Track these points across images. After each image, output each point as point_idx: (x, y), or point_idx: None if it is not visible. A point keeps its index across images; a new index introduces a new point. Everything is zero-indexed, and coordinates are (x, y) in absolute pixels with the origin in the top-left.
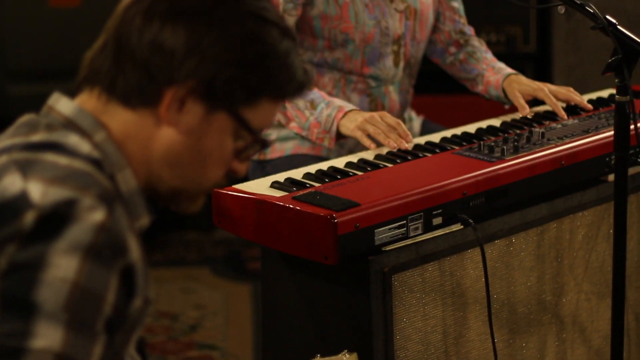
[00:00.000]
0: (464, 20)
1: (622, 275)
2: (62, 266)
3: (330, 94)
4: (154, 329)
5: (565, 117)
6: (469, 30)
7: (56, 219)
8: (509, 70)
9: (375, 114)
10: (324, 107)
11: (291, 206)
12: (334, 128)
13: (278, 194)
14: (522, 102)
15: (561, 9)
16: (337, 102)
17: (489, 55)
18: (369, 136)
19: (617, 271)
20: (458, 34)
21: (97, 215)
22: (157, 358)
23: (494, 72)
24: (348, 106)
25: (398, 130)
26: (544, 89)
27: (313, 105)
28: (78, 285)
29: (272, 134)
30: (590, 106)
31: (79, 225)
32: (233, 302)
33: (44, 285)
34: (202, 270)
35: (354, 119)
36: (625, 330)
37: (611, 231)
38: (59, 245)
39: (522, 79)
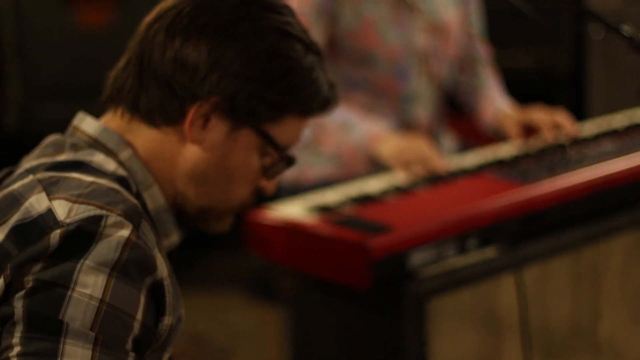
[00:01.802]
0: (479, 44)
1: None
2: (90, 284)
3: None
4: (184, 353)
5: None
6: (483, 54)
7: (82, 236)
8: (504, 105)
9: (412, 144)
10: (358, 131)
11: (324, 231)
12: (368, 152)
13: (310, 218)
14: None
15: (598, 35)
16: (371, 126)
17: (490, 88)
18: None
19: None
20: (468, 58)
21: (123, 232)
22: None
23: (487, 103)
24: (382, 131)
25: (430, 164)
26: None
27: (346, 127)
28: (105, 303)
29: (302, 155)
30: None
31: (105, 242)
32: (265, 325)
33: (71, 303)
34: (235, 293)
35: (389, 146)
36: None
37: None
38: (85, 263)
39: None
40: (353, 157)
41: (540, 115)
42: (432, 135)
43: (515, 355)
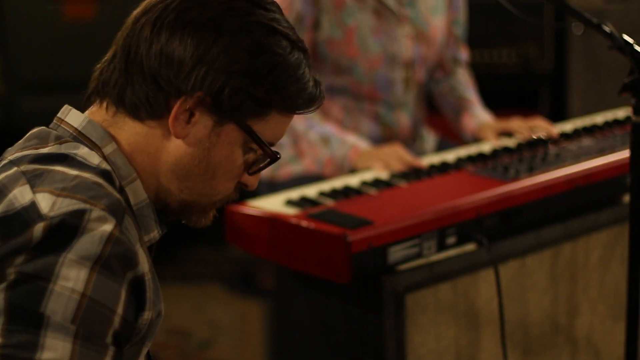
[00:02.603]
0: (461, 46)
1: (637, 298)
2: (71, 278)
3: (340, 120)
4: (166, 345)
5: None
6: (463, 56)
7: (65, 230)
8: (485, 117)
9: (391, 152)
10: (339, 146)
11: (304, 224)
12: (347, 166)
13: (292, 211)
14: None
15: (578, 30)
16: (351, 139)
17: (470, 95)
18: None
19: (632, 293)
20: (449, 61)
21: (106, 227)
22: None
23: (470, 116)
24: (362, 144)
25: (408, 160)
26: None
27: (326, 141)
28: (87, 297)
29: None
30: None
31: (88, 236)
32: (245, 319)
33: (52, 296)
34: (215, 287)
35: (368, 157)
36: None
37: (626, 253)
38: (68, 256)
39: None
40: (333, 171)
41: (518, 122)
42: (413, 137)
43: (493, 350)
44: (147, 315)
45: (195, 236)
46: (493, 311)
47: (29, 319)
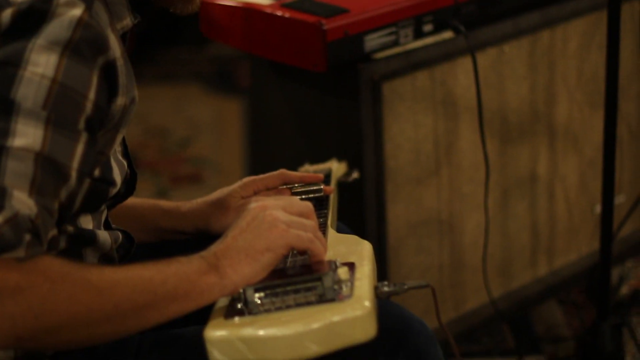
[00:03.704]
0: None
1: (615, 86)
2: (41, 63)
3: None
4: (145, 144)
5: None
6: None
7: (33, 15)
8: None
9: None
10: None
11: (280, 13)
12: None
13: (266, 0)
14: None
15: None
16: None
17: None
18: None
19: (610, 81)
20: None
21: (75, 11)
22: (150, 174)
23: None
24: None
25: None
26: None
27: None
28: (58, 82)
29: None
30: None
31: (57, 21)
32: (224, 116)
33: (22, 82)
34: (193, 86)
35: None
36: (618, 141)
37: (604, 40)
38: (37, 42)
39: None
40: None
41: None
42: None
43: (471, 137)
44: (120, 100)
45: (173, 36)
46: (471, 99)
47: None
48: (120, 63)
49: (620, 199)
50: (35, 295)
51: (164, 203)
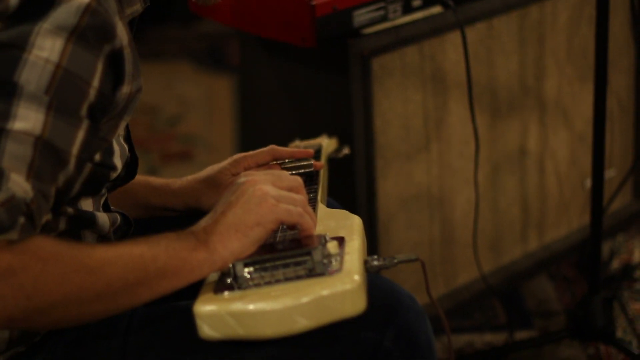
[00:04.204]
0: None
1: (605, 59)
2: (46, 47)
3: None
4: (135, 122)
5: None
6: None
7: None
8: None
9: None
10: None
11: None
12: None
13: None
14: None
15: None
16: None
17: None
18: None
19: (600, 55)
20: None
21: None
22: (140, 151)
23: None
24: None
25: None
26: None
27: None
28: (62, 67)
29: None
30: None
31: (65, 6)
32: (214, 94)
33: (26, 66)
34: (183, 63)
35: None
36: (608, 115)
37: (594, 14)
38: (43, 26)
39: None
40: None
41: None
42: None
43: (461, 112)
44: (125, 89)
45: (163, 14)
46: (460, 74)
47: (2, 87)
48: (127, 51)
49: (610, 173)
50: (27, 276)
51: (155, 180)
